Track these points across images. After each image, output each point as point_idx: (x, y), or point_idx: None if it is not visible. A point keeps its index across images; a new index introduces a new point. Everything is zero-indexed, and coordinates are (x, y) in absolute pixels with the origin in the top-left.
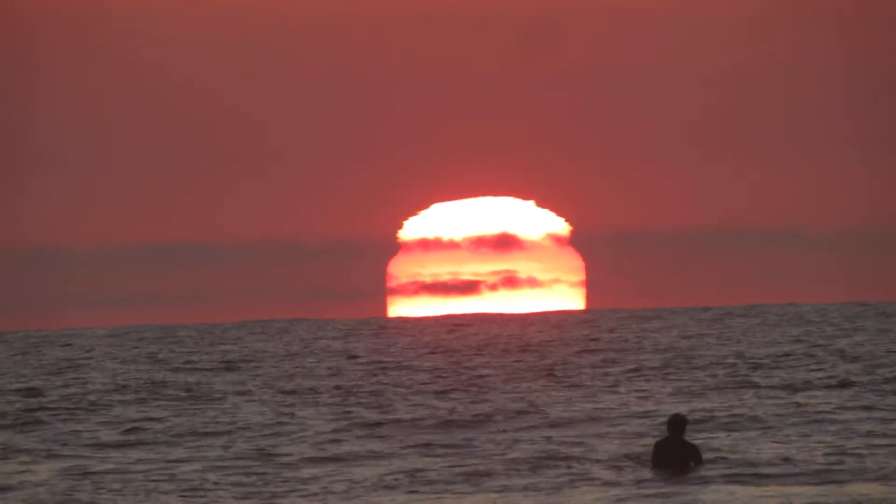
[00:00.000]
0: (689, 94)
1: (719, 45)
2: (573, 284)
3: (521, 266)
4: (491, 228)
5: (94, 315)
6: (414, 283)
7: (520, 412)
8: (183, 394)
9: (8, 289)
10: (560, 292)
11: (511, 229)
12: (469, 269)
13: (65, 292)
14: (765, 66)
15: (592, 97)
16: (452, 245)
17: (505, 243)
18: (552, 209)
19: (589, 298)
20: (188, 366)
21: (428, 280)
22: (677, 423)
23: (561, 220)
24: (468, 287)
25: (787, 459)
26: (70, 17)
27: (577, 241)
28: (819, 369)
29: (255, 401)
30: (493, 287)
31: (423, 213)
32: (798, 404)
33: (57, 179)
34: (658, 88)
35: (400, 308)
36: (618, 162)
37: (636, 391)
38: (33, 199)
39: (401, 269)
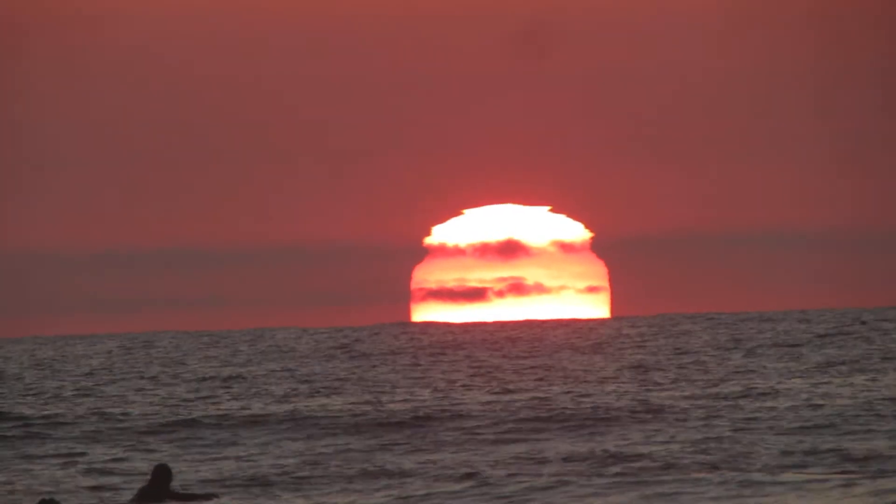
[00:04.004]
0: (715, 95)
1: (741, 44)
2: (580, 291)
3: (528, 273)
4: (497, 235)
5: (100, 321)
6: (420, 289)
7: None
8: None
9: (9, 293)
10: (568, 299)
11: (516, 235)
12: (476, 275)
13: (68, 297)
14: (789, 65)
15: (614, 101)
16: (458, 252)
17: (511, 250)
18: (571, 215)
19: (613, 305)
20: None
21: (434, 286)
22: None
23: (580, 225)
24: (476, 294)
25: None
26: (70, 19)
27: (599, 248)
28: None
29: None
30: (501, 294)
31: (452, 220)
32: None
33: (56, 184)
34: (682, 90)
35: (416, 314)
36: (640, 167)
37: None
38: (32, 203)
39: (420, 276)
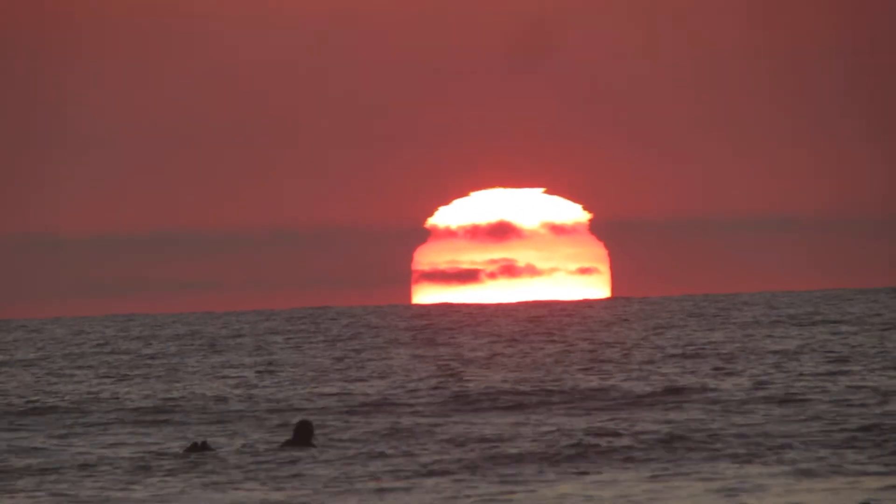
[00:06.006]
0: (718, 78)
1: (736, 30)
2: (571, 272)
3: (519, 254)
4: (488, 217)
5: (102, 303)
6: (417, 271)
7: None
8: None
9: (8, 276)
10: (560, 280)
11: (508, 217)
12: (468, 257)
13: (66, 280)
14: (783, 54)
15: (614, 84)
16: (450, 234)
17: (502, 232)
18: (568, 197)
19: (614, 286)
20: None
21: (427, 268)
22: None
23: (578, 207)
24: (468, 275)
25: None
26: (76, 12)
27: (598, 229)
28: None
29: None
30: (493, 275)
31: (457, 202)
32: None
33: (56, 169)
34: (684, 74)
35: (416, 296)
36: (641, 149)
37: None
38: (30, 187)
39: (418, 258)
